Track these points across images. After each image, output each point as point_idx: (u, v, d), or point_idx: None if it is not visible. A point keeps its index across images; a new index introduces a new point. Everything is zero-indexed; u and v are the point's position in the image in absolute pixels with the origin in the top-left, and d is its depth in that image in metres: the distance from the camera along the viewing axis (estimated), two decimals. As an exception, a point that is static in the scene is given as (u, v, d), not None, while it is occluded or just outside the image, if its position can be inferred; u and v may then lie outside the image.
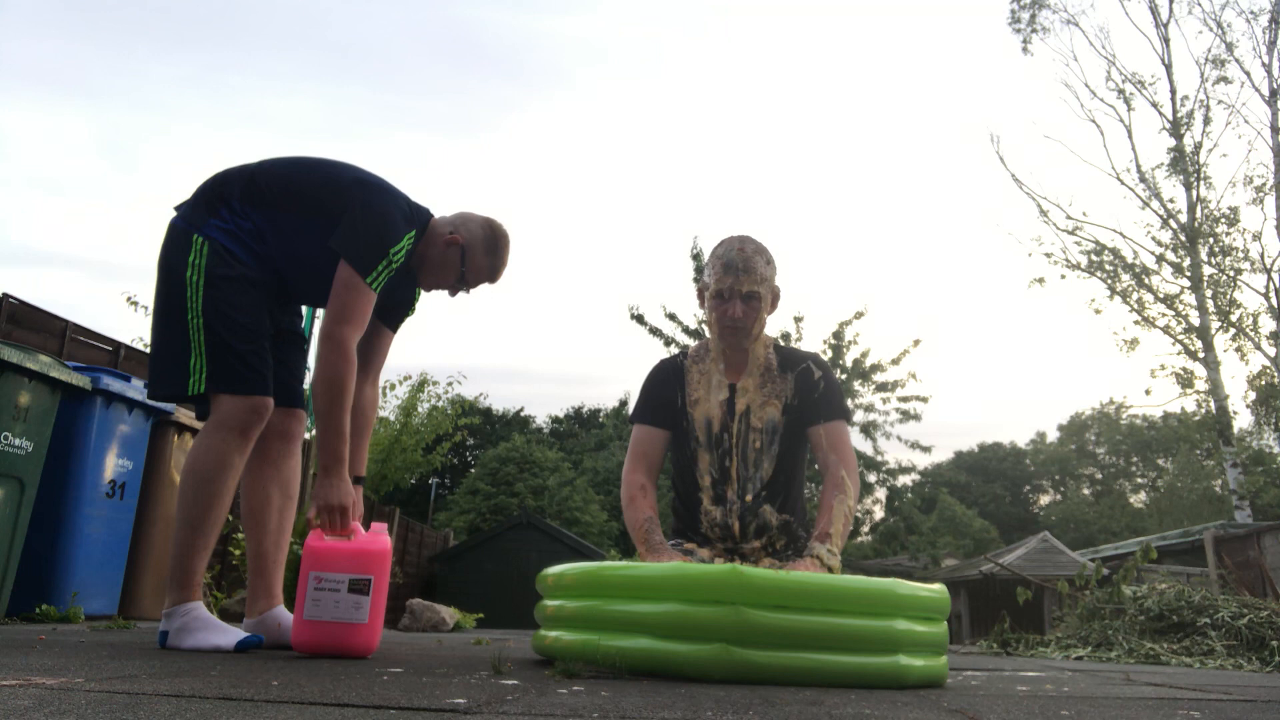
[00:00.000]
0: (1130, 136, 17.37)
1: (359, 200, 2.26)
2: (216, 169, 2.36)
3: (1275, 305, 15.89)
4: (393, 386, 13.50)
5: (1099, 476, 46.06)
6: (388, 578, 2.15)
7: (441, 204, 2.75)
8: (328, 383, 2.15)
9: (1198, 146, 16.64)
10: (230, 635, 2.09)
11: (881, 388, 13.45)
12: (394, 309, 2.53)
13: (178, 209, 2.31)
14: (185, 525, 2.16)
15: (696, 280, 2.31)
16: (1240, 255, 16.30)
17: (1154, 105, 17.23)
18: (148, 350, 8.49)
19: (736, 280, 2.36)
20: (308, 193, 2.29)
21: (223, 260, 2.21)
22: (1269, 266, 15.99)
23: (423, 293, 2.58)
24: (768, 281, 2.41)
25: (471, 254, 2.42)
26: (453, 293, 2.49)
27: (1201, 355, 15.92)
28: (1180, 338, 16.31)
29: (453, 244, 2.40)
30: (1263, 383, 16.02)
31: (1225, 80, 16.67)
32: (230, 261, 2.22)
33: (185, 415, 4.70)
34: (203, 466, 2.15)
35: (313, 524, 2.12)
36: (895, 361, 13.38)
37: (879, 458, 13.77)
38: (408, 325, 2.60)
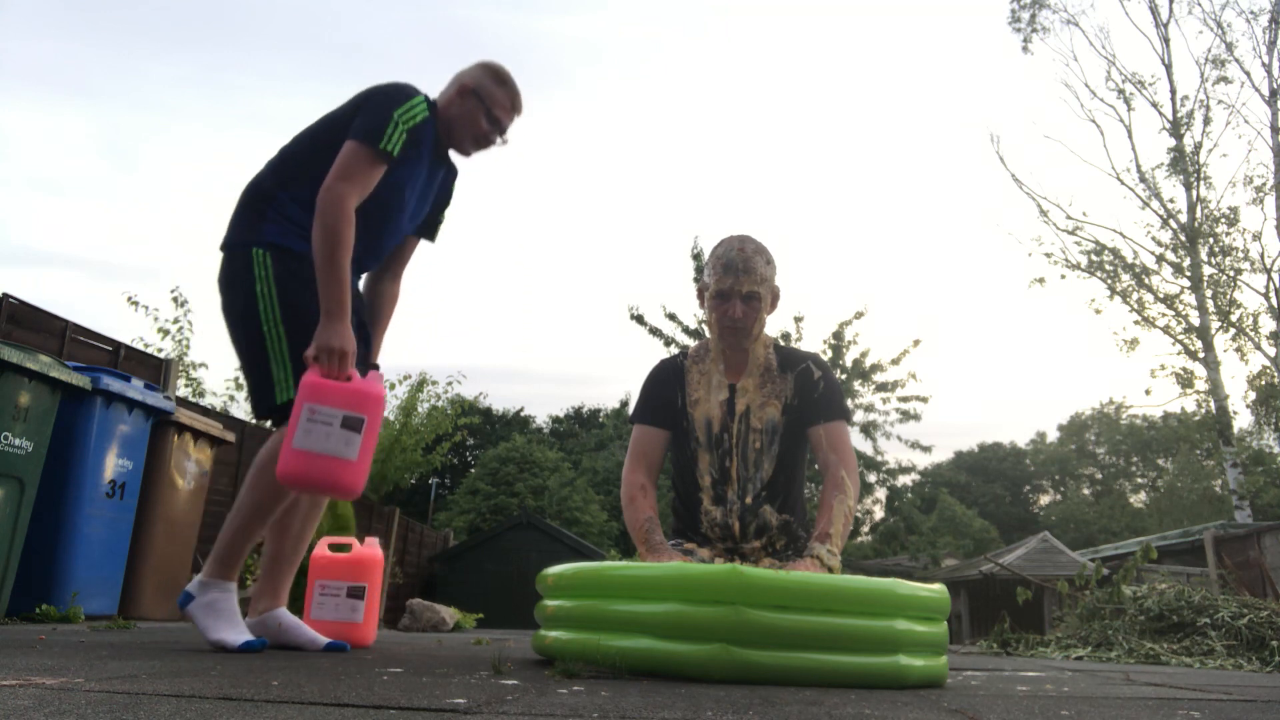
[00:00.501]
0: (1130, 136, 17.40)
1: (363, 99, 2.27)
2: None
3: (1275, 305, 15.89)
4: (392, 386, 13.50)
5: (1099, 476, 46.06)
6: (379, 425, 2.11)
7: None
8: (324, 230, 2.11)
9: (1198, 146, 16.65)
10: (239, 635, 2.10)
11: (881, 388, 13.46)
12: (428, 221, 2.53)
13: (223, 244, 2.26)
14: (248, 509, 2.17)
15: (697, 280, 2.31)
16: (1240, 255, 16.32)
17: (1154, 105, 17.25)
18: (148, 350, 8.39)
19: (736, 280, 2.36)
20: (336, 141, 2.25)
21: (286, 265, 2.18)
22: (1269, 266, 16.01)
23: (459, 174, 2.55)
24: (768, 281, 2.41)
25: (486, 91, 2.42)
26: (492, 139, 2.45)
27: (1201, 355, 15.92)
28: (1180, 338, 16.32)
29: (464, 91, 2.40)
30: (1263, 383, 16.02)
31: (1225, 80, 16.70)
32: (294, 264, 2.18)
33: (185, 415, 4.70)
34: (274, 463, 2.13)
35: (309, 362, 2.06)
36: (895, 361, 13.39)
37: (879, 458, 13.78)
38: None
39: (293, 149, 2.31)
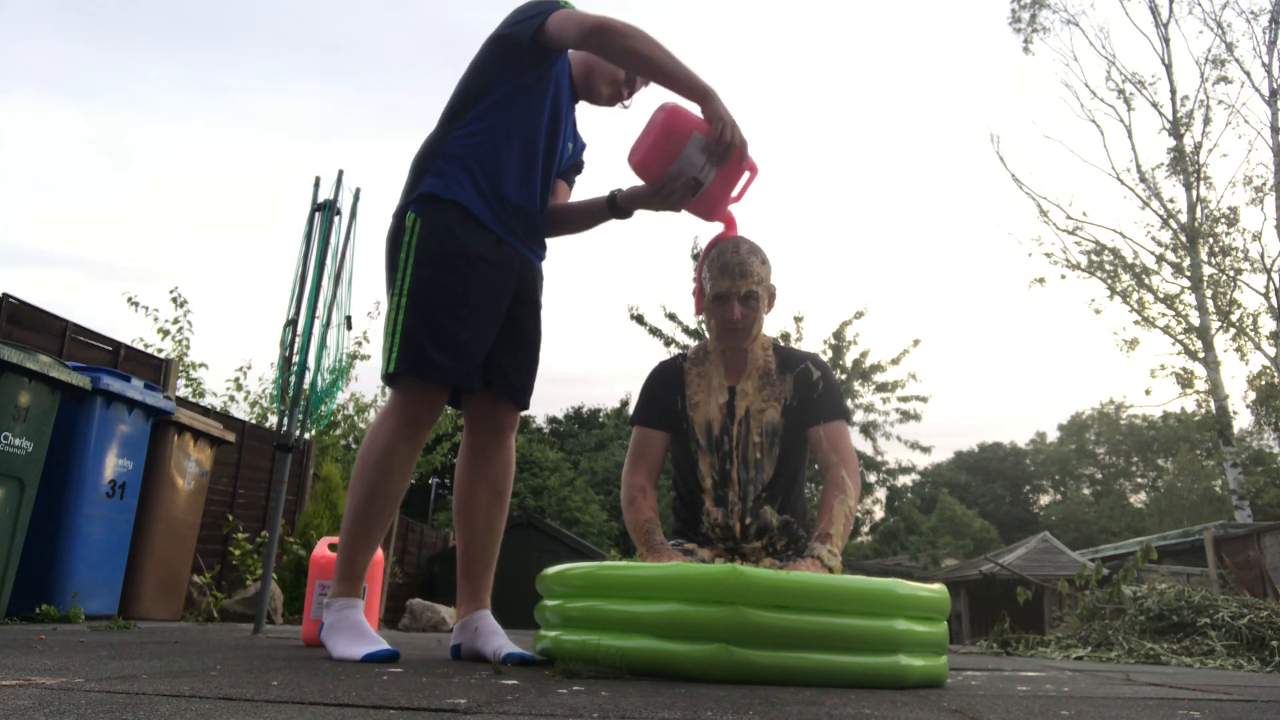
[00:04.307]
0: (1130, 136, 17.43)
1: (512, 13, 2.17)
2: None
3: (1275, 305, 15.90)
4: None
5: (1099, 476, 46.03)
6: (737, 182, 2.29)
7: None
8: (634, 37, 2.06)
9: (1198, 146, 16.66)
10: (366, 646, 1.95)
11: (881, 388, 13.46)
12: (569, 165, 2.43)
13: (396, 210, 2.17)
14: (350, 513, 2.08)
15: (695, 283, 2.32)
16: (1240, 255, 16.34)
17: (1154, 105, 17.27)
18: (148, 350, 8.39)
19: (734, 282, 2.36)
20: (491, 55, 2.15)
21: (435, 234, 2.05)
22: (1269, 266, 16.02)
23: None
24: (764, 281, 2.41)
25: None
26: (624, 93, 2.33)
27: (1201, 355, 15.92)
28: (1180, 338, 16.33)
29: None
30: (1263, 383, 16.03)
31: (1225, 80, 16.72)
32: (444, 233, 2.06)
33: (185, 415, 4.70)
34: (368, 454, 2.08)
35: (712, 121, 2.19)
36: (895, 361, 13.39)
37: (879, 458, 13.77)
38: None
39: (452, 99, 2.20)
